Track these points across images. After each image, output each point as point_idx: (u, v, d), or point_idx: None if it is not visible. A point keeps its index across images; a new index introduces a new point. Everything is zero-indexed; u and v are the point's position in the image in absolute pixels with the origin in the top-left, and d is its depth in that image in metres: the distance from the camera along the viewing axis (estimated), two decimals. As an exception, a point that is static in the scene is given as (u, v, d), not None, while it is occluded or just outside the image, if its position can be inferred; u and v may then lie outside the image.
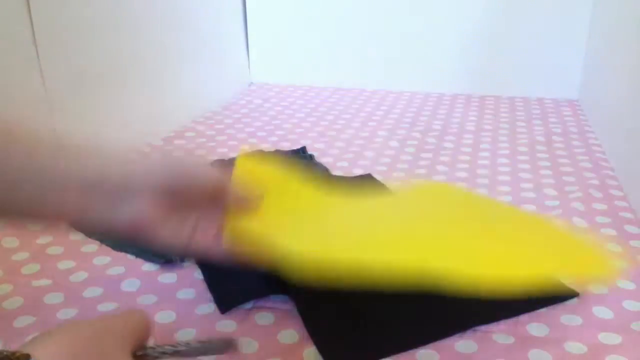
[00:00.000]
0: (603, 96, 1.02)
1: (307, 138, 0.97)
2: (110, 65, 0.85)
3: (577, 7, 1.16)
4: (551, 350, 0.46)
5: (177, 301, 0.53)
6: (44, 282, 0.55)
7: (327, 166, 0.85)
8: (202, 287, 0.55)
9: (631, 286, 0.55)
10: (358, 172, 0.83)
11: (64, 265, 0.58)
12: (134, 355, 0.35)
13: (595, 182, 0.79)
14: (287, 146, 0.93)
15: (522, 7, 1.19)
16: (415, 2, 1.22)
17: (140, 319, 0.36)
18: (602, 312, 0.51)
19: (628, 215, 0.69)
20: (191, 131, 1.00)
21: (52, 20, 0.72)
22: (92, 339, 0.32)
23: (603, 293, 0.54)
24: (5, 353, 0.28)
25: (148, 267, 0.58)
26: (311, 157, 0.87)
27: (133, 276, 0.57)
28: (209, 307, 0.52)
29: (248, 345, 0.47)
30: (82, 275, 0.57)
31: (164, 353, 0.37)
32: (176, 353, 0.38)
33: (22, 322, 0.49)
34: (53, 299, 0.53)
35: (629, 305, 0.52)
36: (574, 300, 0.53)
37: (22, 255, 0.60)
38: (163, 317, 0.51)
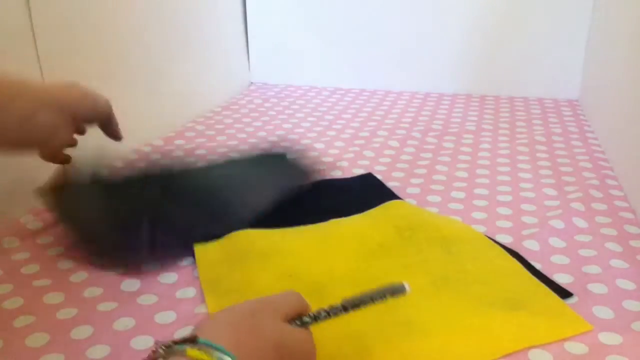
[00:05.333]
0: (603, 96, 1.02)
1: (307, 138, 0.97)
2: (110, 65, 0.85)
3: (577, 7, 1.16)
4: (552, 350, 0.46)
5: (177, 301, 0.53)
6: (44, 282, 0.55)
7: (327, 166, 0.85)
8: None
9: (631, 286, 0.55)
10: (358, 172, 0.82)
11: (64, 265, 0.58)
12: (291, 321, 0.41)
13: (595, 182, 0.79)
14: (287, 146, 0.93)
15: (522, 7, 1.19)
16: (415, 2, 1.22)
17: (294, 296, 0.43)
18: (602, 312, 0.51)
19: (628, 215, 0.69)
20: (191, 131, 1.00)
21: (52, 20, 0.72)
22: (247, 312, 0.39)
23: (603, 293, 0.54)
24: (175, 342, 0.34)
25: (148, 267, 0.58)
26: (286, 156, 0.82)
27: (133, 276, 0.57)
28: (206, 306, 0.52)
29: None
30: (82, 275, 0.56)
31: (317, 317, 0.42)
32: (330, 314, 0.43)
33: (22, 322, 0.49)
34: (53, 299, 0.53)
35: (629, 305, 0.52)
36: (574, 300, 0.53)
37: (22, 255, 0.60)
38: (163, 317, 0.51)
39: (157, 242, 0.59)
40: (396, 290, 0.44)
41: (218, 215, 0.65)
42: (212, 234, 0.62)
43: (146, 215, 0.62)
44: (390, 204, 0.70)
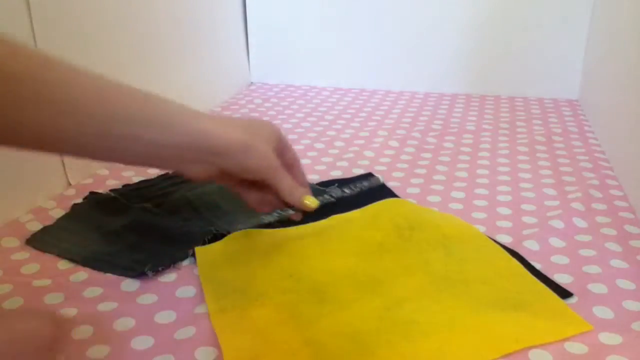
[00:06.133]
0: (603, 96, 1.02)
1: (307, 138, 0.97)
2: (110, 65, 0.85)
3: (577, 7, 1.16)
4: (552, 350, 0.46)
5: (177, 300, 0.53)
6: (44, 282, 0.55)
7: (327, 166, 0.85)
8: (201, 286, 0.55)
9: (631, 286, 0.55)
10: (358, 172, 0.83)
11: (63, 265, 0.58)
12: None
13: (595, 182, 0.79)
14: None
15: (522, 7, 1.19)
16: (415, 1, 1.22)
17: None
18: (602, 312, 0.51)
19: (628, 215, 0.69)
20: (191, 131, 1.00)
21: (52, 20, 0.72)
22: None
23: (603, 293, 0.54)
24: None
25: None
26: None
27: (132, 276, 0.57)
28: (206, 306, 0.52)
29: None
30: (82, 276, 0.57)
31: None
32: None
33: (22, 322, 0.49)
34: (53, 299, 0.53)
35: (629, 305, 0.52)
36: (574, 300, 0.53)
37: (22, 255, 0.60)
38: (163, 316, 0.51)
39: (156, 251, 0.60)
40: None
41: (214, 224, 0.65)
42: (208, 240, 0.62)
43: (141, 227, 0.64)
44: (390, 201, 0.70)
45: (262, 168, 0.49)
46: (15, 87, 0.40)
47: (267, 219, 0.56)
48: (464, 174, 0.82)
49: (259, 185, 0.53)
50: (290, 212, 0.55)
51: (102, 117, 0.43)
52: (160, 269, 0.57)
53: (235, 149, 0.47)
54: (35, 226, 0.65)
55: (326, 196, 0.57)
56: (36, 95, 0.41)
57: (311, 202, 0.53)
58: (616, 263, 0.59)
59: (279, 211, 0.56)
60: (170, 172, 0.79)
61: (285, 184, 0.51)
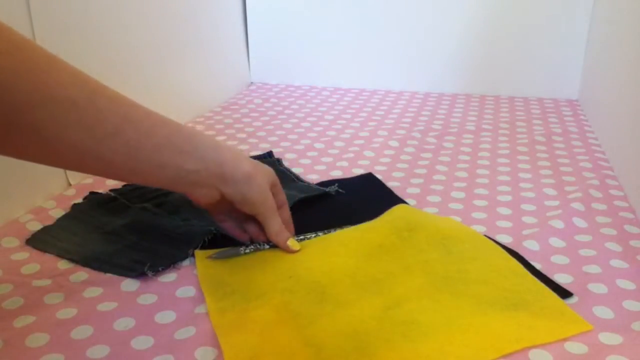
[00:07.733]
0: (603, 96, 1.02)
1: (307, 138, 0.97)
2: (110, 65, 0.85)
3: (577, 7, 1.16)
4: (552, 350, 0.46)
5: (177, 300, 0.53)
6: (44, 282, 0.55)
7: (327, 166, 0.85)
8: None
9: (631, 286, 0.55)
10: (358, 172, 0.83)
11: (63, 265, 0.58)
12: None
13: (595, 182, 0.79)
14: (287, 146, 0.93)
15: (522, 6, 1.19)
16: (415, 2, 1.22)
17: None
18: (602, 312, 0.51)
19: (628, 215, 0.69)
20: (191, 131, 1.00)
21: (52, 20, 0.72)
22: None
23: (603, 293, 0.54)
24: None
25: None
26: (279, 161, 0.85)
27: (132, 276, 0.57)
28: (206, 306, 0.52)
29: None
30: (82, 276, 0.56)
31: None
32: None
33: (22, 322, 0.49)
34: (53, 299, 0.53)
35: (629, 305, 0.52)
36: (574, 300, 0.53)
37: (22, 255, 0.60)
38: (163, 316, 0.51)
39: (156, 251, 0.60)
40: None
41: (214, 224, 0.65)
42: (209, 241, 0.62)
43: (141, 227, 0.64)
44: (391, 210, 0.69)
45: (259, 202, 0.55)
46: (67, 111, 0.45)
47: (244, 250, 0.59)
48: (464, 174, 0.82)
49: (247, 221, 0.60)
50: (266, 247, 0.60)
51: (151, 146, 0.49)
52: (160, 269, 0.57)
53: (240, 178, 0.54)
54: (35, 226, 0.65)
55: (308, 235, 0.62)
56: (85, 120, 0.46)
57: (294, 245, 0.59)
58: (616, 263, 0.59)
59: (257, 245, 0.60)
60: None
61: (275, 225, 0.57)
